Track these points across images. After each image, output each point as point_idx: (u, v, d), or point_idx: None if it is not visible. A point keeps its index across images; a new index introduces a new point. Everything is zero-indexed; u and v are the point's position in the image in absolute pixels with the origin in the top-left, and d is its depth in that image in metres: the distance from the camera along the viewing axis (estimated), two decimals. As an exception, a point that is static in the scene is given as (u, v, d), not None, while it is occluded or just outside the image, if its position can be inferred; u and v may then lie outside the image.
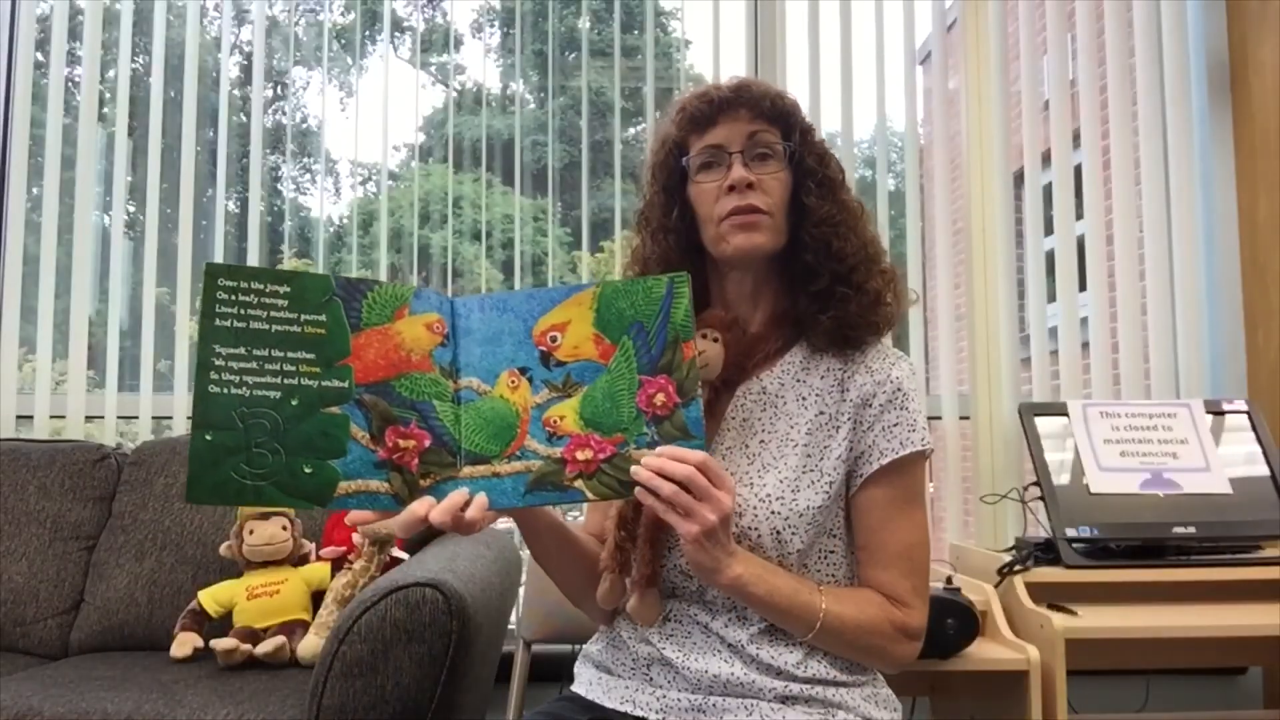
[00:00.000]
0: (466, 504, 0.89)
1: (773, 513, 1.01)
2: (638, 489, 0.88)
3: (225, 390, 0.89)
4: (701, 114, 1.07)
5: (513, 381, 0.95)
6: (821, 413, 1.05)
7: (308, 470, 0.89)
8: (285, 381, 0.90)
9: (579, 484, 0.92)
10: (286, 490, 0.88)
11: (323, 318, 0.92)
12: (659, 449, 0.89)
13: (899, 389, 1.06)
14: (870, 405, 1.05)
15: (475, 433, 0.94)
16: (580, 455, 0.92)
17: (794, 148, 1.08)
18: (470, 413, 0.94)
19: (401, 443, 0.92)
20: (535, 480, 0.92)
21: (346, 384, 0.92)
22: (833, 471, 1.03)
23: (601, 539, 1.10)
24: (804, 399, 1.06)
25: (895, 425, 1.05)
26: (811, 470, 1.03)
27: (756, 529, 1.01)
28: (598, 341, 0.95)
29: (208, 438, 0.87)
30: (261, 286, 0.91)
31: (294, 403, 0.90)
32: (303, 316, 0.92)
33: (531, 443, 0.93)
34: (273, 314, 0.91)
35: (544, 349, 0.95)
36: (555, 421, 0.93)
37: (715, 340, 1.05)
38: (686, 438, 0.91)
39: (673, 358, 0.93)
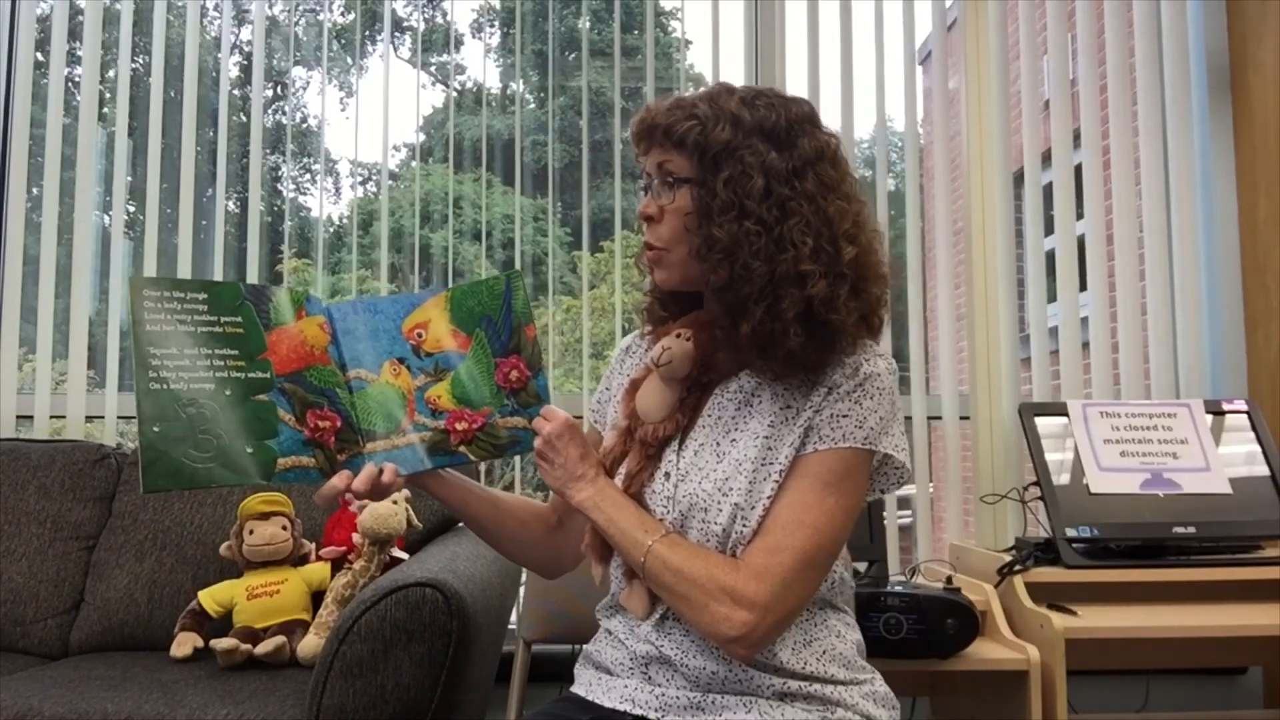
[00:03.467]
0: (381, 472, 1.05)
1: (734, 505, 1.01)
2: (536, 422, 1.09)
3: (165, 386, 0.99)
4: (634, 141, 1.08)
5: (394, 369, 1.11)
6: (788, 406, 1.04)
7: (249, 450, 1.01)
8: (216, 375, 1.02)
9: (463, 449, 1.10)
10: (233, 469, 1.00)
11: (239, 319, 1.05)
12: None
13: (861, 383, 1.02)
14: (834, 392, 1.03)
15: (371, 414, 1.09)
16: (459, 426, 1.10)
17: (679, 176, 1.03)
18: (362, 398, 1.09)
19: (320, 423, 1.06)
20: (429, 448, 1.09)
21: (269, 375, 1.05)
22: (784, 461, 1.02)
23: (561, 511, 1.19)
24: (777, 395, 1.05)
25: (844, 417, 1.02)
26: (770, 463, 1.02)
27: (720, 523, 1.01)
28: (455, 335, 1.12)
29: (155, 429, 0.97)
30: (182, 294, 1.03)
31: (227, 393, 1.02)
32: (221, 318, 1.04)
33: (419, 418, 1.10)
34: (196, 317, 1.03)
35: (413, 343, 1.12)
36: (435, 400, 1.10)
37: (687, 340, 1.06)
38: (539, 403, 1.11)
39: (519, 340, 1.11)
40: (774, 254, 0.99)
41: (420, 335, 1.12)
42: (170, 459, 0.97)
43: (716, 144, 1.01)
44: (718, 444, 1.06)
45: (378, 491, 1.06)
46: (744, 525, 1.01)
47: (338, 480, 1.04)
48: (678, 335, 1.07)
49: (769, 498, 1.01)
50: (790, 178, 1.01)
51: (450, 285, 1.15)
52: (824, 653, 1.04)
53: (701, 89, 1.08)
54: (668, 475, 1.06)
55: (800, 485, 1.01)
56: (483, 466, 1.22)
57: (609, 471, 1.10)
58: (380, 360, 1.11)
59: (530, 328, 1.12)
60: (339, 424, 1.07)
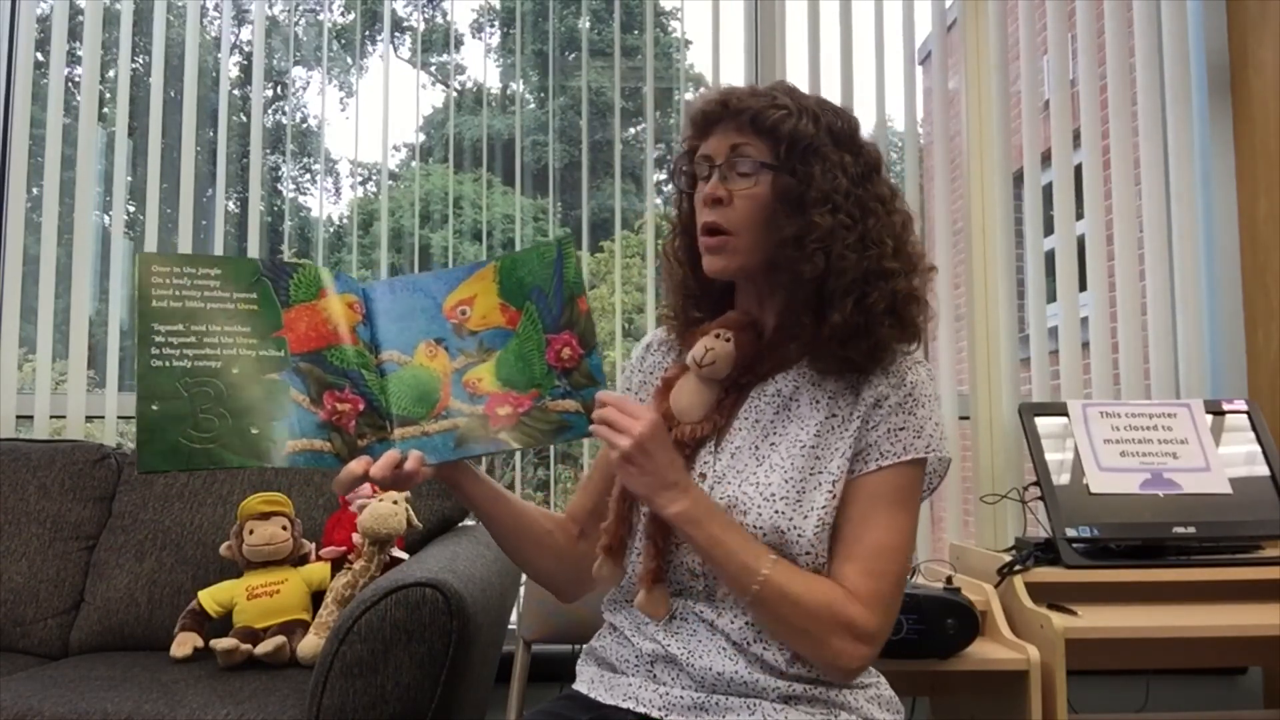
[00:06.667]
0: (404, 460, 0.98)
1: (777, 512, 1.00)
2: (592, 426, 0.97)
3: (167, 363, 0.94)
4: (696, 123, 1.08)
5: (430, 351, 1.03)
6: (833, 415, 1.05)
7: (254, 431, 0.95)
8: (225, 352, 0.96)
9: (503, 435, 1.00)
10: (235, 451, 0.94)
11: (254, 295, 0.99)
12: (599, 396, 0.98)
13: (911, 393, 1.04)
14: (881, 406, 1.04)
15: (402, 398, 1.01)
16: (501, 411, 1.00)
17: (768, 163, 1.03)
18: (394, 381, 1.02)
19: (339, 406, 0.99)
20: (462, 436, 1.00)
21: (283, 353, 0.98)
22: (837, 470, 1.03)
23: (582, 521, 1.16)
24: (817, 401, 1.06)
25: (901, 429, 1.03)
26: (819, 472, 1.03)
27: (761, 527, 1.01)
28: (504, 310, 1.03)
29: (154, 408, 0.93)
30: (194, 270, 0.98)
31: (235, 371, 0.96)
32: (235, 295, 0.98)
33: (455, 403, 1.01)
34: (206, 294, 0.97)
35: (455, 321, 1.03)
36: (474, 383, 1.02)
37: (727, 340, 1.05)
38: (593, 384, 1.00)
39: (572, 314, 1.01)
40: (861, 249, 1.02)
41: (464, 313, 1.03)
42: (167, 438, 0.92)
43: (805, 136, 1.03)
44: (756, 447, 1.05)
45: (400, 480, 0.98)
46: (799, 535, 1.00)
47: (355, 465, 0.96)
48: (717, 335, 1.06)
49: (823, 508, 1.01)
50: (861, 181, 1.05)
51: (498, 257, 1.06)
52: None
53: (766, 85, 1.09)
54: (703, 476, 1.06)
55: (878, 507, 1.02)
56: (484, 460, 1.17)
57: None
58: (415, 342, 1.03)
59: (583, 300, 1.01)
60: (361, 407, 0.99)
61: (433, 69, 3.17)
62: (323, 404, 0.98)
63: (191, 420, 0.93)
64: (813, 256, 1.01)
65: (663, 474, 0.97)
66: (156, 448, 0.92)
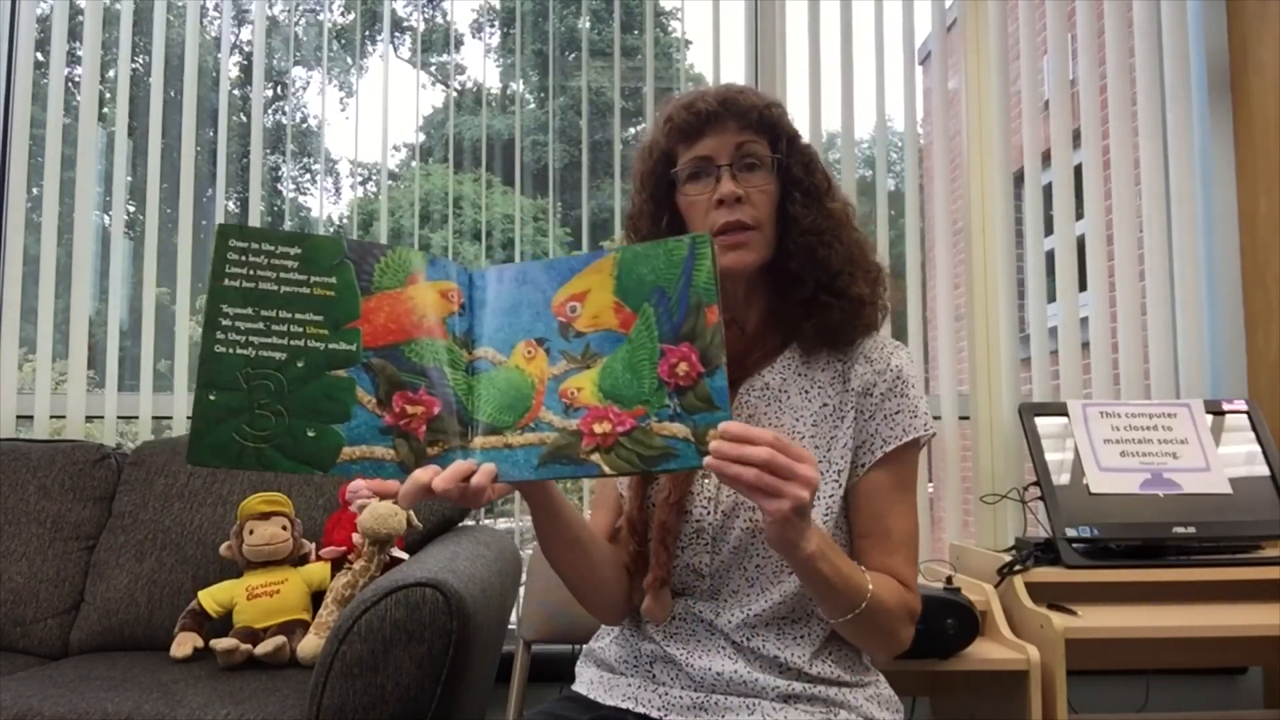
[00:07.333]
0: (474, 473, 0.86)
1: None
2: (708, 460, 0.82)
3: (231, 350, 0.87)
4: (689, 125, 1.07)
5: (529, 352, 0.90)
6: (825, 404, 1.07)
7: (310, 434, 0.86)
8: (291, 343, 0.88)
9: (595, 457, 0.86)
10: (288, 454, 0.86)
11: (333, 280, 0.89)
12: (721, 427, 0.82)
13: (899, 377, 1.07)
14: (871, 394, 1.06)
15: (488, 403, 0.90)
16: (598, 428, 0.87)
17: (781, 157, 1.08)
18: (484, 383, 0.90)
19: (409, 409, 0.88)
20: (549, 453, 0.87)
21: (354, 347, 0.89)
22: (840, 460, 1.05)
23: (612, 540, 1.13)
24: (807, 392, 1.08)
25: (897, 413, 1.06)
26: (821, 461, 1.04)
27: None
28: (618, 310, 0.89)
29: (211, 397, 0.86)
30: (272, 248, 0.89)
31: (299, 365, 0.87)
32: (312, 278, 0.89)
33: (546, 414, 0.88)
34: (282, 275, 0.88)
35: (563, 320, 0.90)
36: (572, 393, 0.88)
37: None
38: (711, 409, 0.84)
39: (695, 324, 0.86)
40: (849, 235, 1.10)
41: (574, 310, 0.90)
42: (220, 432, 0.85)
43: (795, 132, 1.11)
44: None
45: (469, 495, 0.85)
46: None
47: (422, 474, 0.84)
48: None
49: (830, 498, 1.04)
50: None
51: (621, 247, 0.93)
52: (830, 654, 1.05)
53: (719, 87, 1.12)
54: (707, 475, 1.06)
55: (896, 496, 1.06)
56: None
57: (646, 480, 1.09)
58: (515, 340, 0.91)
59: (712, 310, 0.86)
60: (436, 409, 0.88)
61: (433, 69, 3.17)
62: (390, 406, 0.88)
63: (247, 416, 0.86)
64: (832, 243, 1.07)
65: (810, 516, 0.88)
66: (208, 441, 0.85)
